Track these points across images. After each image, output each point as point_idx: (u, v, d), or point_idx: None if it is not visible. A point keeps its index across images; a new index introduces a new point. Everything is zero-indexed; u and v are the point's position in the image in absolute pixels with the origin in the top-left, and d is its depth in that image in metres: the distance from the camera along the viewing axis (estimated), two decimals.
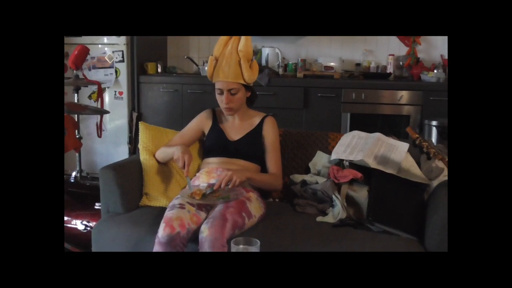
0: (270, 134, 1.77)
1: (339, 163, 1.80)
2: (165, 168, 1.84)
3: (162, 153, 1.77)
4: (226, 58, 1.60)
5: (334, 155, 1.83)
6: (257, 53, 3.61)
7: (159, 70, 3.64)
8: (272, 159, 1.77)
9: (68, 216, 1.89)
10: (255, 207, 1.60)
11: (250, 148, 1.75)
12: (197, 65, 3.71)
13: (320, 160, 1.88)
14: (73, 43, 3.17)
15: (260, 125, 1.79)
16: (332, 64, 3.49)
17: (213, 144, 1.78)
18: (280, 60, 3.53)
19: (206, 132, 1.84)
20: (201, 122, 1.83)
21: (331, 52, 3.65)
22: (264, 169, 1.82)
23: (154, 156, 1.80)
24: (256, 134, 1.78)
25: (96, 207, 2.01)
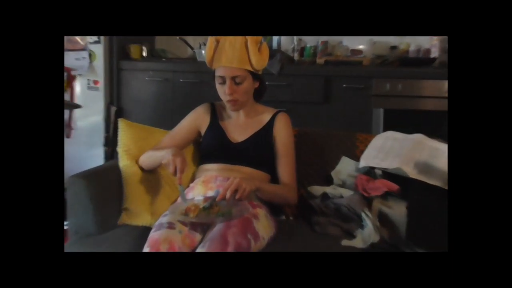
0: (283, 134, 1.68)
1: (370, 171, 1.72)
2: (150, 176, 1.72)
3: (148, 158, 1.67)
4: (230, 39, 1.54)
5: (363, 162, 1.75)
6: None
7: (144, 54, 3.34)
8: (285, 166, 1.67)
9: None
10: (264, 227, 1.49)
11: (257, 152, 1.66)
12: (192, 48, 3.42)
13: (345, 167, 1.80)
14: None
15: (270, 124, 1.70)
16: (360, 47, 3.17)
17: (212, 147, 1.69)
18: (295, 43, 3.21)
19: (203, 131, 1.74)
20: (196, 120, 1.75)
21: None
22: (274, 179, 1.71)
23: (137, 162, 1.70)
24: (265, 134, 1.68)
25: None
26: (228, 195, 1.39)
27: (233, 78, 1.56)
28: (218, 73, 1.59)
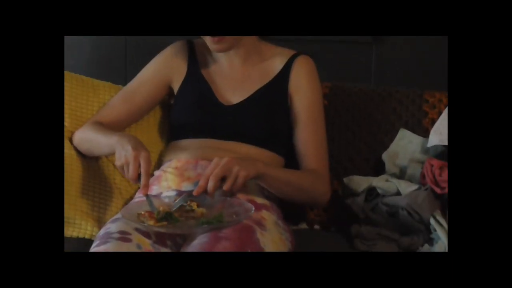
0: (305, 90, 1.47)
1: (445, 153, 1.47)
2: (93, 164, 1.50)
3: (87, 142, 1.48)
4: None
5: (436, 138, 1.50)
6: None
7: None
8: (310, 141, 1.46)
9: None
10: (273, 241, 1.30)
11: (263, 119, 1.44)
12: None
13: (405, 147, 1.56)
14: None
15: (284, 74, 1.47)
16: None
17: (190, 112, 1.48)
18: None
19: (176, 87, 1.52)
20: (165, 68, 1.54)
21: None
22: (290, 165, 1.48)
23: (70, 139, 1.49)
24: (275, 91, 1.46)
25: None
26: (211, 185, 1.23)
27: None
28: None
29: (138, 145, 1.31)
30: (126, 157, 1.30)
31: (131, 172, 1.29)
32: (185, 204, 1.29)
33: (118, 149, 1.32)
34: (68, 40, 2.53)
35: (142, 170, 1.29)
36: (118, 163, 1.32)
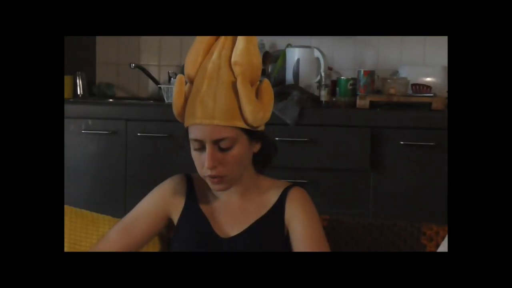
0: (302, 220, 1.52)
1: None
2: None
3: None
4: (209, 78, 1.39)
5: None
6: (276, 59, 2.92)
7: (79, 91, 2.93)
8: None
9: None
10: None
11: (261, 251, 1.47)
12: (156, 82, 3.02)
13: None
14: None
15: (279, 205, 1.53)
16: (428, 79, 2.75)
17: (189, 245, 1.50)
18: (322, 73, 2.76)
19: (175, 220, 1.56)
20: (164, 201, 1.58)
21: (426, 56, 3.02)
22: None
23: None
24: (272, 222, 1.52)
25: None
26: None
27: (216, 143, 1.41)
28: (193, 134, 1.41)
29: None
30: None
31: None
32: None
33: None
34: (70, 172, 2.63)
35: None
36: None
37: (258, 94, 1.39)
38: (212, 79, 1.37)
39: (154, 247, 1.56)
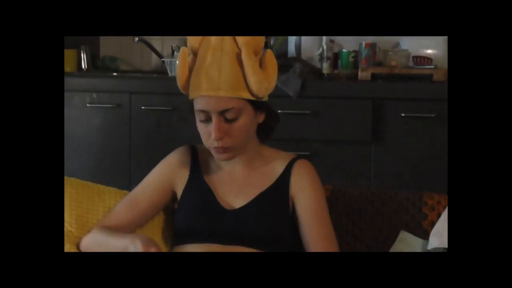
0: (307, 192, 1.56)
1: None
2: None
3: (98, 246, 1.51)
4: (213, 50, 1.42)
5: (436, 241, 1.55)
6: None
7: (84, 64, 2.97)
8: (318, 239, 1.52)
9: None
10: None
11: (265, 224, 1.51)
12: (160, 56, 3.03)
13: (406, 249, 1.64)
14: None
15: (284, 178, 1.57)
16: (429, 51, 2.74)
17: (193, 217, 1.55)
18: (324, 46, 2.76)
19: (179, 192, 1.59)
20: (169, 173, 1.62)
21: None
22: None
23: (78, 246, 1.53)
24: (277, 195, 1.55)
25: None
26: None
27: (222, 113, 1.44)
28: (199, 105, 1.44)
29: (149, 242, 1.35)
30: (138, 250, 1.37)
31: None
32: None
33: (131, 249, 1.36)
34: (75, 145, 2.76)
35: None
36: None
37: (261, 64, 1.40)
38: (216, 50, 1.39)
39: (158, 218, 1.59)
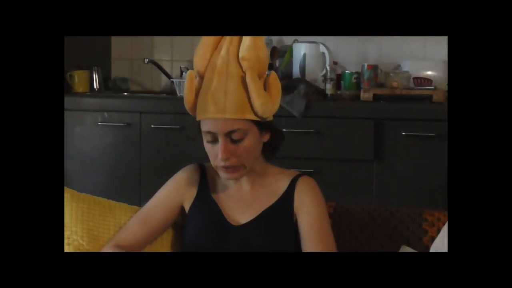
0: (310, 209, 1.58)
1: None
2: None
3: None
4: (219, 73, 1.43)
5: None
6: (283, 54, 3.02)
7: (96, 85, 3.03)
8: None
9: None
10: None
11: (270, 238, 1.53)
12: (169, 76, 3.12)
13: None
14: None
15: (288, 194, 1.59)
16: (429, 73, 2.84)
17: (201, 233, 1.57)
18: (328, 67, 2.87)
19: (188, 209, 1.61)
20: (178, 190, 1.63)
21: (427, 51, 3.11)
22: None
23: None
24: (281, 211, 1.57)
25: None
26: None
27: (228, 135, 1.45)
28: (206, 127, 1.45)
29: None
30: None
31: None
32: None
33: None
34: (87, 162, 2.84)
35: None
36: None
37: (266, 86, 1.43)
38: (221, 74, 1.41)
39: (167, 234, 1.61)
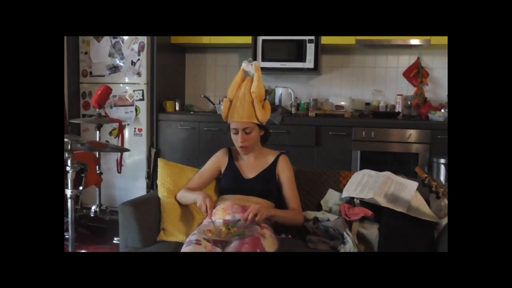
0: (286, 171, 1.96)
1: (350, 201, 1.98)
2: (185, 207, 2.03)
3: (184, 198, 1.96)
4: (240, 99, 1.81)
5: (345, 193, 2.01)
6: (270, 93, 3.87)
7: (177, 108, 4.00)
8: (291, 195, 1.94)
9: (87, 250, 2.15)
10: (269, 244, 1.72)
11: (264, 186, 1.93)
12: (213, 104, 4.06)
13: (331, 198, 2.07)
14: (97, 83, 3.76)
15: (274, 164, 1.97)
16: (342, 103, 3.80)
17: (229, 182, 1.96)
18: (292, 100, 3.81)
19: (223, 170, 2.01)
20: (218, 161, 2.03)
21: (342, 92, 4.01)
22: (278, 206, 1.98)
23: (175, 197, 1.98)
24: (270, 172, 1.96)
25: (114, 241, 2.37)
26: (250, 217, 1.68)
27: (244, 130, 1.83)
28: (232, 126, 1.86)
29: (205, 196, 1.75)
30: (201, 202, 1.74)
31: (203, 208, 1.73)
32: (233, 225, 1.67)
33: (198, 199, 1.77)
34: (172, 147, 3.61)
35: (208, 207, 1.71)
36: (197, 204, 1.77)
37: (263, 106, 1.82)
38: (241, 99, 1.78)
39: (212, 184, 2.06)
